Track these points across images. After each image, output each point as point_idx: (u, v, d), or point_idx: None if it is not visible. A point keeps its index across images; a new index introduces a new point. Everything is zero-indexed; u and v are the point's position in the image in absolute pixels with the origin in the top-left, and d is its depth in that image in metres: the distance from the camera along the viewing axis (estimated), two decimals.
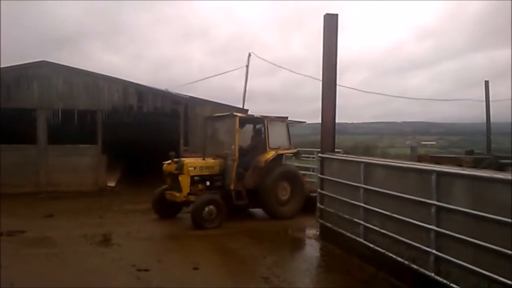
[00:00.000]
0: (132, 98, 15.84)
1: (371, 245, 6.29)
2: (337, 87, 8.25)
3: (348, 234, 6.98)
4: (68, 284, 5.84)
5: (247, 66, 20.19)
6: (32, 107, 15.10)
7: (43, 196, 13.85)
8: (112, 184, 15.96)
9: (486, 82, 17.68)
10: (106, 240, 8.17)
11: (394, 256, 5.70)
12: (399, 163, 6.22)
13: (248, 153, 10.69)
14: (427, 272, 5.03)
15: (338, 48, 8.11)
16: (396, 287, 5.63)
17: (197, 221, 9.16)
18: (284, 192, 10.54)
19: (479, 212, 4.33)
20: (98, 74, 15.69)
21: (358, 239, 6.66)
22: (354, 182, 6.79)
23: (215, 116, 11.68)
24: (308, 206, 10.17)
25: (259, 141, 10.85)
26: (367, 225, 6.45)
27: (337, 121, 8.36)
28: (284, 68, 60.65)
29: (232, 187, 10.05)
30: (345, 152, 9.87)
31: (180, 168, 9.75)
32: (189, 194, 9.74)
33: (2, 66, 14.70)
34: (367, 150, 29.77)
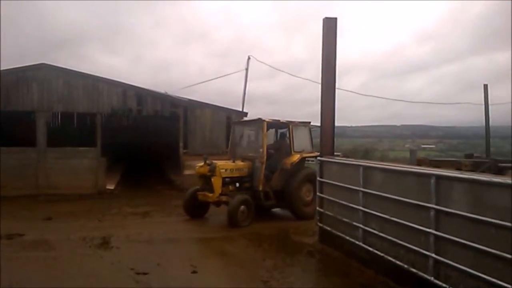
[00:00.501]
0: (131, 101, 15.84)
1: (370, 249, 6.29)
2: (336, 90, 8.26)
3: (347, 238, 6.97)
4: None
5: (247, 69, 20.19)
6: (31, 110, 15.08)
7: (42, 199, 13.81)
8: (111, 187, 15.95)
9: (485, 86, 17.69)
10: (105, 243, 8.15)
11: (393, 260, 5.70)
12: (398, 166, 6.22)
13: (273, 156, 11.24)
14: (426, 276, 5.03)
15: (337, 51, 8.12)
16: None
17: (233, 220, 9.69)
18: (308, 193, 11.05)
19: (478, 216, 4.34)
20: (98, 76, 15.69)
21: (357, 242, 6.66)
22: (353, 185, 6.79)
23: (243, 121, 12.45)
24: None
25: (283, 145, 11.50)
26: (366, 228, 6.45)
27: (336, 124, 8.38)
28: (283, 71, 60.71)
29: (260, 188, 10.66)
30: (344, 155, 9.90)
31: (213, 170, 10.27)
32: (220, 194, 10.33)
33: (1, 68, 14.70)
34: (367, 153, 29.78)
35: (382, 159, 25.92)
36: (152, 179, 20.04)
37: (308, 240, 8.51)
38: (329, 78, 8.09)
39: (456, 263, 4.60)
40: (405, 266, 5.45)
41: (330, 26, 8.03)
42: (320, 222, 8.06)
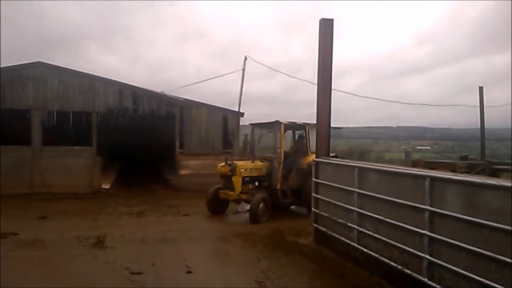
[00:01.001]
0: (127, 100, 15.79)
1: (365, 250, 6.31)
2: (333, 91, 8.28)
3: (342, 238, 6.99)
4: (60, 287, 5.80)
5: (243, 70, 20.21)
6: (26, 108, 15.02)
7: (37, 198, 13.74)
8: (106, 186, 15.89)
9: (480, 88, 17.84)
10: (99, 243, 8.12)
11: (387, 261, 5.71)
12: (393, 168, 6.24)
13: (290, 156, 11.70)
14: (420, 277, 5.04)
15: (335, 52, 8.14)
16: None
17: (255, 216, 10.31)
18: None
19: (472, 218, 4.35)
20: (94, 75, 15.63)
21: (352, 243, 6.67)
22: (348, 186, 6.81)
23: (261, 123, 12.55)
24: None
25: (300, 145, 12.06)
26: (361, 229, 6.47)
27: (332, 125, 8.40)
28: (280, 72, 60.80)
29: (278, 186, 11.23)
30: (336, 156, 9.96)
31: (233, 170, 10.88)
32: (240, 193, 10.95)
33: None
34: (362, 155, 29.81)
35: (378, 160, 25.99)
36: (147, 179, 20.01)
37: (303, 241, 8.52)
38: (325, 79, 8.11)
39: (450, 264, 4.62)
40: (400, 267, 5.46)
41: (326, 27, 8.04)
42: (315, 223, 8.08)
